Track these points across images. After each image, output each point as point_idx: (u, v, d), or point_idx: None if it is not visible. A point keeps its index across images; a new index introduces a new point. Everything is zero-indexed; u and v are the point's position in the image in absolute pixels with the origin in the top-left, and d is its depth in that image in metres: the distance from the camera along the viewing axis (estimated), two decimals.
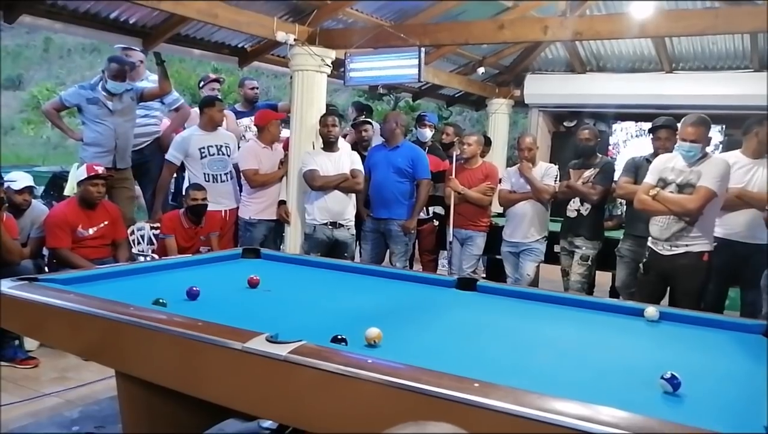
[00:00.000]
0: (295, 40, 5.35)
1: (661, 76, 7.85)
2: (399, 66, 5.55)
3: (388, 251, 5.32)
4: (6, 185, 4.22)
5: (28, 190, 4.42)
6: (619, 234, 4.82)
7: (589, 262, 4.69)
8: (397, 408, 1.68)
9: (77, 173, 4.66)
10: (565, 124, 9.31)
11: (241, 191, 5.34)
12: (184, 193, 5.05)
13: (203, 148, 5.15)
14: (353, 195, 5.11)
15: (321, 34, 5.51)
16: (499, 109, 8.81)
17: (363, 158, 5.33)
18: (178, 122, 5.74)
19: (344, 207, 5.03)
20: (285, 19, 5.52)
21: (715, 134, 8.05)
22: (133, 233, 5.14)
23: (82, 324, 2.34)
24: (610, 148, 8.91)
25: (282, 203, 5.38)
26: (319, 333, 2.05)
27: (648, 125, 4.73)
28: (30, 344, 4.12)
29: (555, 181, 4.85)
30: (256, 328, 2.00)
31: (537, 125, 8.96)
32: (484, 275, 5.91)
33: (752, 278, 3.96)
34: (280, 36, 5.24)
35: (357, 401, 1.77)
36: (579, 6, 6.66)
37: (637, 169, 4.31)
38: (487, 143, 6.28)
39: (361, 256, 5.42)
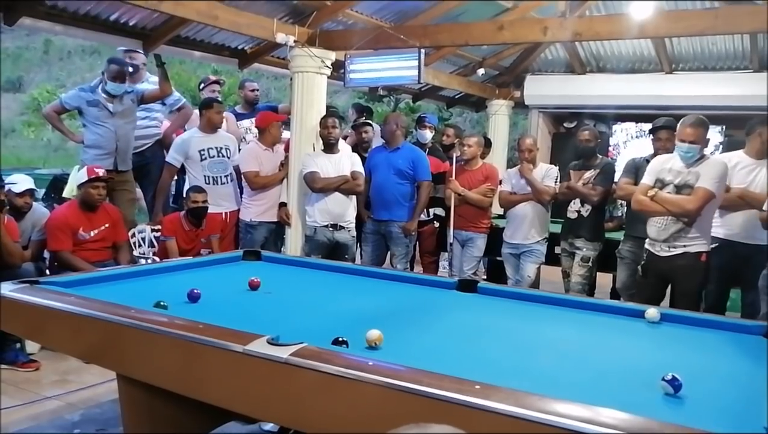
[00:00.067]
0: (295, 41, 5.36)
1: (661, 77, 7.85)
2: (399, 67, 5.55)
3: (388, 252, 5.32)
4: (7, 187, 4.23)
5: (29, 193, 4.42)
6: (619, 235, 4.82)
7: (590, 263, 4.69)
8: (398, 410, 1.68)
9: (78, 176, 4.66)
10: (565, 125, 9.32)
11: (241, 193, 5.34)
12: (184, 195, 5.05)
13: (203, 150, 5.15)
14: (354, 197, 5.11)
15: (321, 36, 5.51)
16: (499, 110, 8.81)
17: (363, 159, 5.34)
18: (179, 121, 5.75)
19: (345, 209, 5.03)
20: (285, 20, 5.53)
21: (715, 134, 8.06)
22: (134, 235, 5.14)
23: (83, 327, 2.34)
24: (611, 149, 8.91)
25: (283, 205, 5.38)
26: (320, 335, 2.05)
27: (648, 126, 4.73)
28: (31, 347, 4.12)
29: (555, 182, 4.85)
30: (257, 330, 2.00)
31: (537, 126, 8.96)
32: (485, 277, 5.91)
33: (752, 279, 3.96)
34: (280, 38, 5.24)
35: (358, 403, 1.77)
36: (578, 7, 6.66)
37: (637, 170, 4.30)
38: (487, 144, 6.29)
39: (361, 258, 5.42)
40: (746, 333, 2.58)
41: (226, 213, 5.22)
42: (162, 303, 2.44)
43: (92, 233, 4.46)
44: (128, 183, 5.24)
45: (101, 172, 4.48)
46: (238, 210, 5.29)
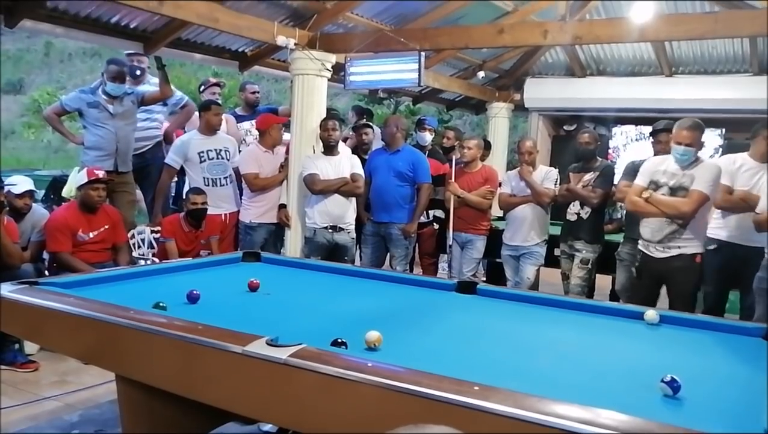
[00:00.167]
0: (295, 44, 5.36)
1: (660, 80, 7.86)
2: (399, 70, 5.56)
3: (388, 254, 5.33)
4: (7, 189, 4.23)
5: (29, 194, 4.42)
6: (619, 238, 4.83)
7: (589, 265, 4.69)
8: (398, 411, 1.68)
9: (78, 177, 4.66)
10: (565, 128, 9.32)
11: (241, 194, 5.34)
12: (184, 197, 5.05)
13: (202, 152, 5.15)
14: (353, 199, 5.12)
15: (321, 39, 5.52)
16: (499, 113, 8.82)
17: (363, 161, 5.34)
18: (182, 119, 5.78)
19: (344, 211, 5.03)
20: (285, 23, 5.53)
21: (715, 137, 8.08)
22: (133, 236, 5.14)
23: (82, 328, 2.34)
24: (610, 151, 8.91)
25: (282, 206, 5.38)
26: (319, 336, 2.05)
27: (648, 129, 4.75)
28: (30, 347, 4.11)
29: (555, 184, 4.86)
30: (256, 331, 2.00)
31: (537, 129, 8.98)
32: (484, 279, 5.91)
33: (752, 281, 3.96)
34: (281, 40, 5.25)
35: (357, 404, 1.77)
36: (579, 10, 6.67)
37: (636, 173, 4.31)
38: (487, 146, 6.30)
39: (361, 259, 5.42)
40: (745, 335, 2.58)
41: (225, 215, 5.22)
42: (161, 304, 2.44)
43: (92, 235, 4.46)
44: (128, 185, 5.24)
45: (101, 173, 4.48)
46: (238, 212, 5.29)
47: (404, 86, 7.02)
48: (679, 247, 3.79)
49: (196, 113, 5.59)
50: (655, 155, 4.37)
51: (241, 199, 5.33)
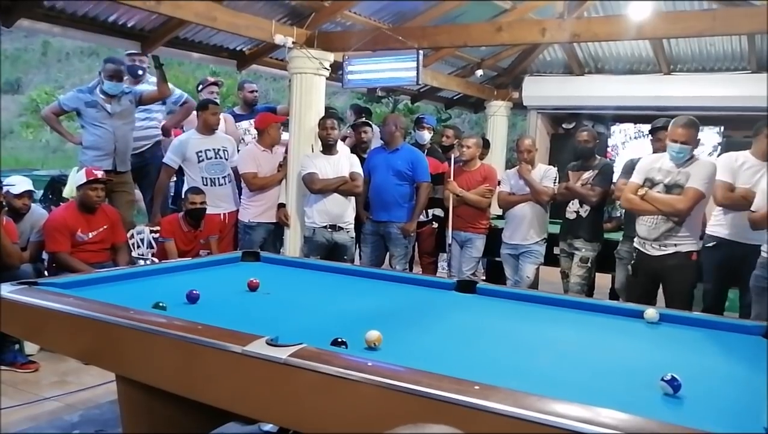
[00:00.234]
0: (293, 43, 5.35)
1: (659, 78, 7.85)
2: (397, 68, 5.55)
3: (387, 253, 5.33)
4: (5, 189, 4.22)
5: (28, 194, 4.42)
6: (618, 236, 4.83)
7: (589, 264, 4.69)
8: (398, 410, 1.68)
9: (77, 177, 4.66)
10: (563, 126, 9.32)
11: (240, 194, 5.34)
12: (183, 196, 5.05)
13: (200, 152, 5.14)
14: (352, 198, 5.12)
15: (319, 37, 5.51)
16: (498, 111, 8.82)
17: (362, 160, 5.34)
18: (181, 116, 5.78)
19: (343, 210, 5.03)
20: (283, 22, 5.52)
21: (714, 135, 8.09)
22: (132, 236, 5.14)
23: (82, 328, 2.34)
24: (609, 150, 8.92)
25: (281, 206, 5.37)
26: (319, 336, 2.05)
27: (646, 127, 4.75)
28: (30, 348, 4.11)
29: (554, 183, 4.86)
30: (255, 331, 2.00)
31: (536, 127, 8.97)
32: (484, 278, 5.91)
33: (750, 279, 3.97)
34: (279, 39, 5.24)
35: (357, 404, 1.77)
36: (577, 8, 6.66)
37: None
38: (486, 145, 6.29)
39: (360, 259, 5.42)
40: (745, 334, 2.59)
41: (224, 214, 5.21)
42: (161, 304, 2.44)
43: (91, 235, 4.45)
44: (127, 184, 5.24)
45: (100, 174, 4.48)
46: (237, 211, 5.28)
47: (402, 85, 7.01)
48: (675, 245, 3.81)
49: (194, 113, 5.59)
50: (654, 152, 4.38)
51: (240, 198, 5.33)
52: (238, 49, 6.29)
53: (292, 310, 2.73)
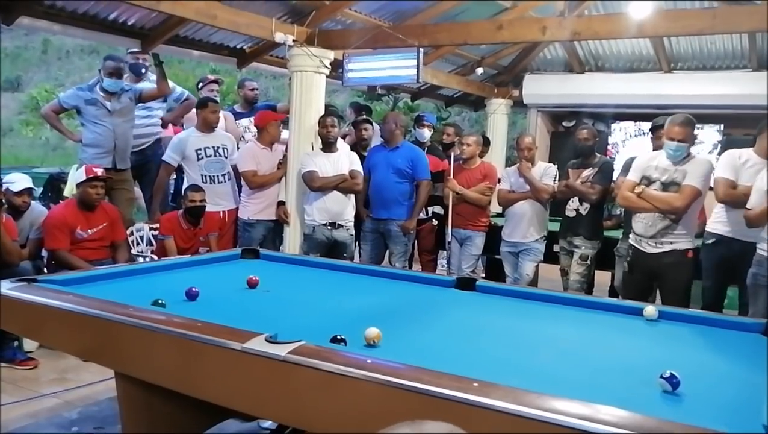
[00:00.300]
0: (293, 41, 5.35)
1: (659, 76, 7.85)
2: (397, 66, 5.55)
3: (387, 251, 5.32)
4: (5, 186, 4.22)
5: (28, 192, 4.42)
6: (617, 234, 4.83)
7: (588, 261, 4.69)
8: (397, 408, 1.68)
9: (76, 175, 4.66)
10: (563, 124, 9.31)
11: (240, 191, 5.34)
12: (182, 194, 5.05)
13: (200, 150, 5.14)
14: (352, 196, 5.11)
15: (319, 35, 5.50)
16: (498, 109, 8.81)
17: (363, 158, 5.34)
18: (180, 111, 5.79)
19: (343, 208, 5.03)
20: (283, 20, 5.52)
21: (714, 133, 8.08)
22: (132, 234, 5.14)
23: (81, 325, 2.34)
24: (609, 147, 8.91)
25: (281, 203, 5.37)
26: (319, 333, 2.05)
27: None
28: (29, 345, 4.12)
29: (554, 181, 4.86)
30: (255, 328, 2.00)
31: (536, 125, 8.96)
32: (483, 275, 5.91)
33: None
34: (279, 37, 5.24)
35: (356, 401, 1.77)
36: (577, 6, 6.66)
37: None
38: (486, 143, 6.29)
39: (360, 256, 5.42)
40: (745, 331, 2.59)
41: (224, 212, 5.21)
42: (160, 301, 2.44)
43: (90, 232, 4.45)
44: (127, 182, 5.24)
45: (100, 171, 4.48)
46: (237, 209, 5.28)
47: (402, 83, 7.01)
48: (671, 243, 3.83)
49: (194, 111, 5.59)
50: (654, 150, 4.37)
51: (239, 196, 5.33)
52: (238, 47, 6.29)
53: (291, 307, 2.73)
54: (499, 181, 5.16)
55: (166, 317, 2.21)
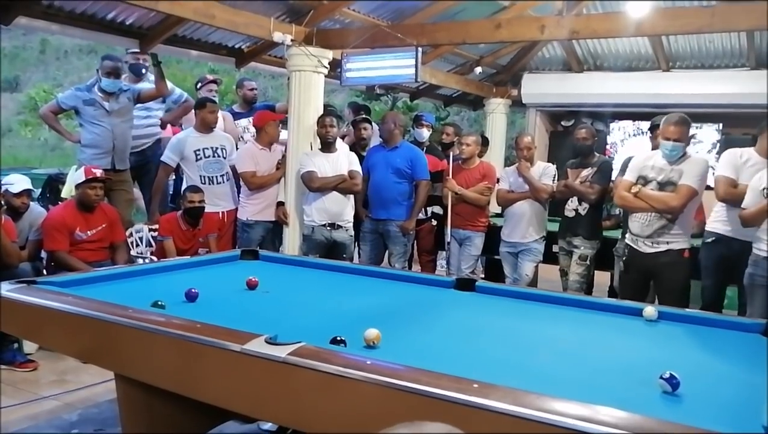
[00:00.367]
0: (292, 40, 5.34)
1: (658, 75, 7.85)
2: (396, 66, 5.55)
3: (386, 251, 5.32)
4: (4, 188, 4.22)
5: (27, 193, 4.41)
6: (617, 234, 4.83)
7: (588, 262, 4.69)
8: (397, 409, 1.68)
9: (75, 176, 4.66)
10: (562, 123, 9.31)
11: (239, 192, 5.33)
12: (181, 195, 5.05)
13: (198, 150, 5.13)
14: (351, 196, 5.11)
15: (318, 35, 5.50)
16: (497, 108, 8.81)
17: (361, 158, 5.33)
18: (178, 112, 5.79)
19: (342, 208, 5.02)
20: (282, 19, 5.52)
21: (713, 132, 8.09)
22: (131, 235, 5.13)
23: (80, 327, 2.33)
24: (608, 147, 8.91)
25: (280, 204, 5.37)
26: (318, 334, 2.05)
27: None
28: (29, 347, 4.11)
29: (553, 180, 4.86)
30: (254, 330, 2.00)
31: (534, 125, 8.97)
32: (483, 276, 5.91)
33: None
34: (277, 36, 5.23)
35: (356, 402, 1.77)
36: (575, 5, 6.66)
37: None
38: (485, 143, 6.28)
39: (359, 257, 5.42)
40: (744, 331, 2.59)
41: (223, 212, 5.20)
42: (159, 303, 2.44)
43: (89, 233, 4.45)
44: (126, 183, 5.24)
45: (99, 172, 4.47)
46: (236, 209, 5.28)
47: (401, 82, 7.00)
48: (667, 242, 3.83)
49: (193, 111, 5.59)
50: (653, 149, 4.37)
51: (238, 196, 5.32)
52: (236, 46, 6.28)
53: (290, 308, 2.73)
54: (498, 181, 5.16)
55: (166, 319, 2.21)
